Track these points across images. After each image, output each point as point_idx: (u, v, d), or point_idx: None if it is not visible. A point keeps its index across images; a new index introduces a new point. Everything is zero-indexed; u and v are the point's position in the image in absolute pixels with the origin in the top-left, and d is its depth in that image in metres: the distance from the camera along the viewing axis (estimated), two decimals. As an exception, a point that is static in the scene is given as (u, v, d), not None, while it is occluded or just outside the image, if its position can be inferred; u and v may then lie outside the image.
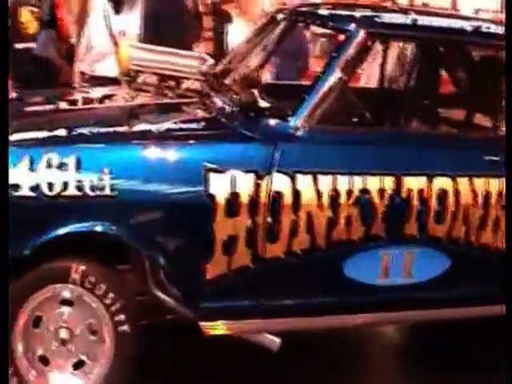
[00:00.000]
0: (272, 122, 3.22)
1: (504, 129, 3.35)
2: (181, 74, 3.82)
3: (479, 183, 3.41)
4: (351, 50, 3.30)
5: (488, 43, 3.65)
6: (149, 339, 3.26)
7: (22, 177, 2.91)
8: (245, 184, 3.07)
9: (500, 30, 3.54)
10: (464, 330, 3.92)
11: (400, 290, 3.39)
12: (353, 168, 3.22)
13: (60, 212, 2.99)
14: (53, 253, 3.04)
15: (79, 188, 2.94)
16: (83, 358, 3.18)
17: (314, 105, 3.22)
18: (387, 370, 3.99)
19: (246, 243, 3.12)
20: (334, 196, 3.18)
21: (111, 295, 3.10)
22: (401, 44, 4.52)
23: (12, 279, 3.02)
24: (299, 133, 3.20)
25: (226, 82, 3.70)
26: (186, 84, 3.80)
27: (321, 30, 6.31)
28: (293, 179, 3.12)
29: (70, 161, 2.94)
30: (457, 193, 3.36)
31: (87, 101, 3.66)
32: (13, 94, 4.30)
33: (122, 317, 3.12)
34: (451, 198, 3.35)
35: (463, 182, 3.37)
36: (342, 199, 3.19)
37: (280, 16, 3.85)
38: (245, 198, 3.08)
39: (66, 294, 3.11)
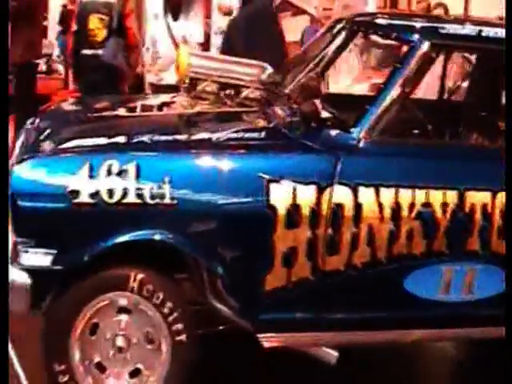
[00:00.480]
0: (334, 133, 3.18)
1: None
2: (240, 82, 3.81)
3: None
4: (414, 62, 3.24)
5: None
6: (203, 349, 3.25)
7: (82, 183, 2.91)
8: (306, 195, 3.03)
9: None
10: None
11: (460, 307, 3.32)
12: (415, 181, 3.15)
13: (119, 219, 2.98)
14: (111, 260, 3.04)
15: (139, 196, 2.93)
16: (139, 366, 3.17)
17: (377, 116, 3.17)
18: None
19: (306, 255, 3.08)
20: (396, 209, 3.12)
21: (169, 304, 3.08)
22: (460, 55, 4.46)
23: (70, 286, 3.07)
24: (361, 144, 3.14)
25: (286, 91, 3.66)
26: (245, 93, 3.78)
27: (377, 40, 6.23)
28: (355, 191, 3.07)
29: (131, 168, 2.94)
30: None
31: (146, 108, 3.65)
32: (71, 100, 4.35)
33: (179, 326, 3.10)
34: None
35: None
36: (404, 213, 3.13)
37: (340, 25, 3.81)
38: (306, 210, 3.03)
39: (124, 302, 3.10)
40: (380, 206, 3.11)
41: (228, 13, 7.13)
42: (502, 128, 4.01)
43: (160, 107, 3.71)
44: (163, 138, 3.17)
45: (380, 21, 3.73)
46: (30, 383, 3.04)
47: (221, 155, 3.06)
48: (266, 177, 3.00)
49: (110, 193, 2.91)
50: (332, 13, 6.74)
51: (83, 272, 3.01)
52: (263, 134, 3.31)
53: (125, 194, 2.91)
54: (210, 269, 3.15)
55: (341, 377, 3.50)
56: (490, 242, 3.26)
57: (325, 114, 3.20)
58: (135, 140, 3.13)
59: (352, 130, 3.17)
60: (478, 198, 3.22)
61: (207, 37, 7.35)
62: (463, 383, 3.89)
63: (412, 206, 3.14)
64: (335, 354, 3.22)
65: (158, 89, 4.94)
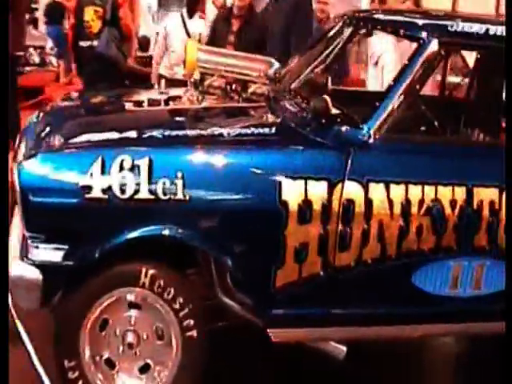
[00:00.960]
0: (344, 129, 3.17)
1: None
2: (247, 77, 3.80)
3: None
4: (423, 59, 3.24)
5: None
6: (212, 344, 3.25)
7: (94, 178, 2.89)
8: (317, 191, 3.03)
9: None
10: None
11: (468, 302, 3.34)
12: (424, 178, 3.16)
13: (131, 215, 2.96)
14: (122, 256, 3.03)
15: (152, 191, 2.92)
16: (149, 361, 3.18)
17: (387, 113, 3.16)
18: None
19: (318, 251, 3.08)
20: (406, 205, 3.13)
21: (180, 300, 3.08)
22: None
23: (81, 282, 3.05)
24: (371, 141, 3.14)
25: (292, 86, 3.66)
26: (252, 88, 3.78)
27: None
28: (365, 187, 3.08)
29: (143, 163, 2.93)
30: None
31: (153, 102, 3.63)
32: (74, 94, 4.33)
33: (190, 322, 3.11)
34: (522, 210, 3.30)
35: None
36: (414, 209, 3.14)
37: (346, 21, 3.81)
38: (317, 206, 3.03)
39: (134, 298, 3.09)
40: (390, 202, 3.12)
41: (222, 6, 7.13)
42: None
43: (167, 102, 3.68)
44: (174, 133, 3.16)
45: (388, 17, 3.72)
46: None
47: (233, 151, 3.06)
48: (279, 172, 2.99)
49: (123, 188, 2.89)
50: (327, 6, 6.72)
51: (94, 267, 3.00)
52: (273, 129, 3.30)
53: (137, 189, 2.90)
54: (219, 264, 3.16)
55: (348, 371, 3.53)
56: (498, 238, 3.28)
57: (334, 111, 3.22)
58: (146, 135, 3.11)
59: (362, 126, 3.16)
60: (485, 194, 3.23)
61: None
62: (467, 378, 3.91)
63: (421, 202, 3.15)
64: (344, 348, 3.25)
65: (171, 82, 4.95)
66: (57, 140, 3.09)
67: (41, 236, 2.93)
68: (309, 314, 3.18)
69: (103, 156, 2.92)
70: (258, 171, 3.02)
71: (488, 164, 3.31)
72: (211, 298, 3.28)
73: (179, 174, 2.93)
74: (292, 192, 3.01)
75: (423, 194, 3.15)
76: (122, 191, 2.90)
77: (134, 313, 3.13)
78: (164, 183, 2.92)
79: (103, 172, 2.90)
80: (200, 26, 6.65)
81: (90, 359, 3.11)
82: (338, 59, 3.87)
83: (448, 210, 3.19)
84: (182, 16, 6.68)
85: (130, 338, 3.12)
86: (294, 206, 3.01)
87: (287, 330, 3.18)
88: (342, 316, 3.21)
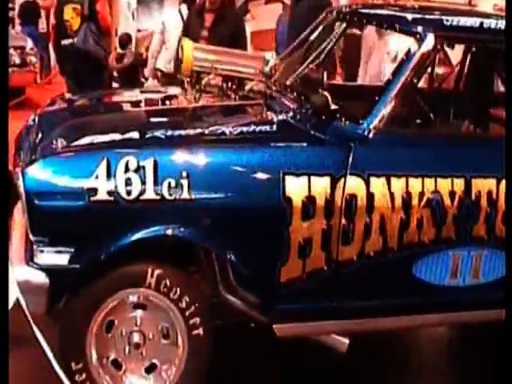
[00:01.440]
0: (345, 124, 3.21)
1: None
2: (243, 75, 3.81)
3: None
4: (420, 53, 3.28)
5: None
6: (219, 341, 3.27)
7: (100, 181, 2.88)
8: (320, 187, 3.06)
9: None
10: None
11: (468, 291, 3.40)
12: (424, 170, 3.21)
13: (137, 216, 2.96)
14: (128, 257, 3.03)
15: (157, 192, 2.92)
16: (155, 361, 3.19)
17: (386, 107, 3.20)
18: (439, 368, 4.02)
19: (321, 246, 3.11)
20: (407, 198, 3.18)
21: (186, 299, 3.10)
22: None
23: (87, 284, 3.05)
24: (371, 135, 3.18)
25: (288, 83, 3.68)
26: (249, 85, 3.79)
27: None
28: (367, 182, 3.11)
29: (148, 164, 2.93)
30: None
31: (150, 102, 3.63)
32: (66, 95, 4.32)
33: (196, 320, 3.12)
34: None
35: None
36: (414, 201, 3.19)
37: (339, 16, 3.83)
38: (321, 201, 3.06)
39: (140, 298, 3.10)
40: (391, 195, 3.16)
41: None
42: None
43: (163, 101, 3.69)
44: (176, 132, 3.17)
45: (384, 12, 3.76)
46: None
47: (236, 149, 3.07)
48: (282, 169, 3.01)
49: (129, 190, 2.89)
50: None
51: (100, 269, 3.00)
52: (274, 127, 3.33)
53: (143, 190, 2.90)
54: (222, 262, 3.18)
55: (351, 363, 3.57)
56: (496, 228, 3.34)
57: (334, 106, 3.24)
58: (149, 135, 3.12)
59: (362, 121, 3.20)
60: (483, 185, 3.29)
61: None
62: (465, 368, 3.96)
63: (421, 194, 3.20)
64: (346, 341, 3.28)
65: (167, 77, 4.95)
66: (59, 143, 3.07)
67: (46, 240, 2.92)
68: (313, 308, 3.21)
69: (108, 158, 2.91)
70: (262, 169, 3.03)
71: (485, 155, 3.36)
72: (216, 296, 3.30)
73: (184, 174, 2.94)
74: (296, 188, 3.03)
75: (423, 187, 3.20)
76: (128, 193, 2.90)
77: (139, 313, 3.13)
78: (169, 183, 2.93)
79: (109, 174, 2.89)
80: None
81: (96, 361, 3.11)
82: (332, 54, 3.89)
83: (447, 202, 3.24)
84: (180, 11, 6.66)
85: (136, 338, 3.13)
86: (297, 202, 3.04)
87: (292, 324, 3.21)
88: (346, 309, 3.25)
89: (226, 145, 3.10)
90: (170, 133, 3.14)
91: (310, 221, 3.07)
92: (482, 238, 3.34)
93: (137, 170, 2.91)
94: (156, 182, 2.92)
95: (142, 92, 4.08)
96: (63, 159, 2.99)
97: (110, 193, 2.89)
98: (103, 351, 3.13)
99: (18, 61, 9.13)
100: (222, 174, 3.01)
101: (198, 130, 3.23)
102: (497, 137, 3.59)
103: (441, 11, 3.49)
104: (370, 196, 3.13)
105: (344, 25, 3.77)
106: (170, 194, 2.93)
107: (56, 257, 2.93)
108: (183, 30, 6.07)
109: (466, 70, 4.46)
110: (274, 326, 3.18)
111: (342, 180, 3.09)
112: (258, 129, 3.25)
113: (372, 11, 3.84)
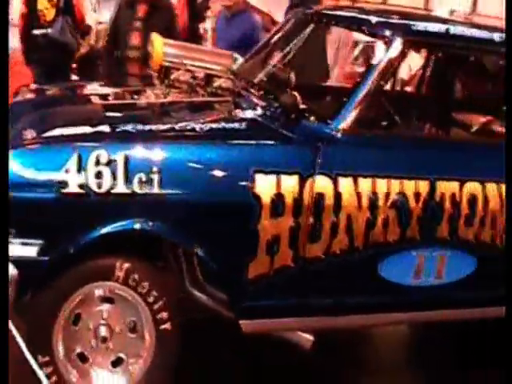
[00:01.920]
0: (313, 124, 3.26)
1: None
2: (212, 71, 3.83)
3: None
4: (388, 57, 3.34)
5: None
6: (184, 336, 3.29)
7: (71, 173, 2.87)
8: (289, 185, 3.10)
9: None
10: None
11: (431, 291, 3.47)
12: (390, 171, 3.27)
13: (107, 210, 2.97)
14: (97, 250, 3.03)
15: (128, 186, 2.93)
16: (122, 355, 3.20)
17: (354, 108, 3.25)
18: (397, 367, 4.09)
19: (289, 243, 3.15)
20: (373, 199, 3.23)
21: (154, 293, 3.11)
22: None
23: (55, 276, 3.04)
24: (339, 135, 3.22)
25: (256, 81, 3.71)
26: (217, 82, 3.81)
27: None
28: (335, 181, 3.16)
29: (119, 158, 2.93)
30: (485, 198, 3.45)
31: (118, 95, 3.63)
32: (33, 86, 4.29)
33: (164, 315, 3.14)
34: (480, 203, 3.44)
35: (492, 188, 3.45)
36: (380, 202, 3.24)
37: (309, 17, 3.88)
38: (289, 199, 3.10)
39: (108, 292, 3.11)
40: (358, 195, 3.21)
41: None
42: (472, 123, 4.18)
43: (132, 95, 3.69)
44: (147, 127, 3.18)
45: (353, 15, 3.82)
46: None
47: (207, 146, 3.09)
48: (252, 167, 3.04)
49: (99, 183, 2.89)
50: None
51: (69, 262, 2.99)
52: (244, 124, 3.35)
53: (114, 184, 2.91)
54: (189, 257, 3.20)
55: (315, 360, 3.61)
56: (458, 229, 3.42)
57: (303, 106, 3.28)
58: (119, 129, 3.12)
59: (331, 121, 3.25)
60: (447, 187, 3.36)
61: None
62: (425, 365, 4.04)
63: (387, 195, 3.26)
64: (311, 338, 3.33)
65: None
66: (29, 134, 3.06)
67: (15, 231, 2.89)
68: (280, 304, 3.25)
69: (79, 151, 2.90)
70: (232, 165, 3.06)
71: (449, 158, 3.44)
72: (183, 292, 3.31)
73: (155, 169, 2.95)
74: (265, 186, 3.06)
75: (389, 188, 3.26)
76: (99, 186, 2.91)
77: (106, 307, 3.13)
78: (140, 178, 2.94)
79: (79, 167, 2.89)
80: None
81: (63, 354, 3.10)
82: (300, 55, 3.92)
83: (412, 203, 3.31)
84: None
85: (103, 332, 3.13)
86: (266, 199, 3.07)
87: (258, 321, 3.24)
88: (312, 306, 3.29)
89: (196, 141, 3.11)
90: (140, 127, 3.14)
91: (278, 218, 3.10)
92: (445, 239, 3.40)
93: (108, 164, 2.92)
94: (127, 177, 2.93)
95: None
96: (33, 151, 2.96)
97: (80, 186, 2.88)
98: (70, 344, 3.13)
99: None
100: (193, 170, 3.03)
101: (168, 126, 3.25)
102: (459, 140, 3.69)
103: (409, 16, 3.57)
104: (338, 195, 3.17)
105: (312, 26, 3.81)
106: (141, 189, 2.95)
107: (25, 249, 2.91)
108: (113, 21, 5.73)
109: (428, 73, 4.55)
110: (240, 321, 3.20)
111: (311, 179, 3.13)
112: (227, 126, 3.28)
113: (340, 14, 3.89)
